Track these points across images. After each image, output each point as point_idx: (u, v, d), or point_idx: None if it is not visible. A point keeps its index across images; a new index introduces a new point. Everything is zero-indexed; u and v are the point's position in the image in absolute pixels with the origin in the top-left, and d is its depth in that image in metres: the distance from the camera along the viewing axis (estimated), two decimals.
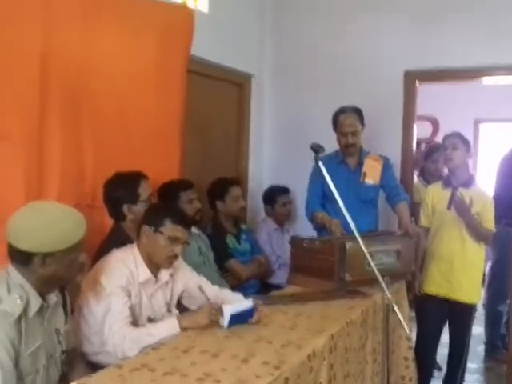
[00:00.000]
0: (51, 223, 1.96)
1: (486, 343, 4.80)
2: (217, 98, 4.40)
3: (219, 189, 3.85)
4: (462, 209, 3.45)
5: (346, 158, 3.79)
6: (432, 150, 4.75)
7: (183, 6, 3.80)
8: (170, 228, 2.47)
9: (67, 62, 2.84)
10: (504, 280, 4.29)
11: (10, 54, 2.57)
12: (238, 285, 3.54)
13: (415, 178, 4.81)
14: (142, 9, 3.31)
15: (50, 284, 2.05)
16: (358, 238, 2.46)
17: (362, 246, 2.46)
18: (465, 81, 4.77)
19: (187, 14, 3.66)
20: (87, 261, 2.65)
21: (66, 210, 2.08)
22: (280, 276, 4.00)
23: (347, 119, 3.71)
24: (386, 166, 3.82)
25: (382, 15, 4.46)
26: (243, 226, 4.02)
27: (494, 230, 3.55)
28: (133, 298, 2.43)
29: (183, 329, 2.29)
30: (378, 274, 2.38)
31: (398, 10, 4.42)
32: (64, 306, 2.20)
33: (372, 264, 2.42)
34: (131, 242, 2.66)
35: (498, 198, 3.96)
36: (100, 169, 3.02)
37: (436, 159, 4.57)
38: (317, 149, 2.57)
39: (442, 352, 3.83)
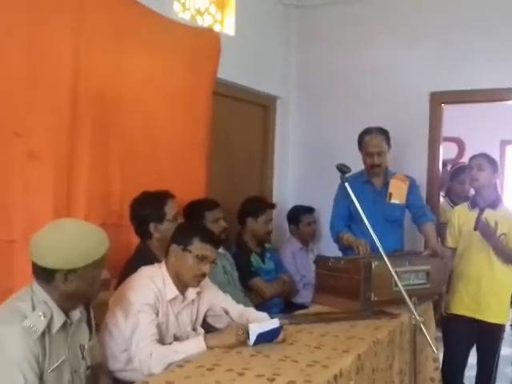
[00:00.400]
0: (73, 240, 1.97)
1: None
2: (242, 120, 4.42)
3: (255, 207, 3.85)
4: (487, 232, 3.40)
5: (372, 178, 3.76)
6: (458, 171, 4.70)
7: (210, 30, 3.85)
8: (198, 247, 2.46)
9: (97, 83, 2.87)
10: None
11: (41, 74, 2.61)
12: (261, 303, 3.51)
13: (441, 199, 4.75)
14: (171, 32, 3.36)
15: (73, 300, 2.05)
16: (385, 257, 2.42)
17: (389, 265, 2.42)
18: (491, 102, 4.72)
19: (214, 38, 3.71)
20: (111, 278, 2.67)
21: (88, 227, 2.09)
22: (304, 295, 3.96)
23: (373, 139, 3.70)
24: (412, 186, 3.78)
25: (407, 37, 4.45)
26: (267, 246, 4.01)
27: None
28: (160, 315, 2.42)
29: (210, 348, 2.27)
30: (404, 294, 2.33)
31: (423, 33, 4.41)
32: (88, 322, 2.19)
33: (399, 283, 2.37)
34: (157, 260, 2.66)
35: None
36: (127, 188, 3.04)
37: (462, 180, 4.53)
38: (343, 169, 2.56)
39: (471, 374, 3.74)
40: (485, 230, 3.39)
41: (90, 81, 2.84)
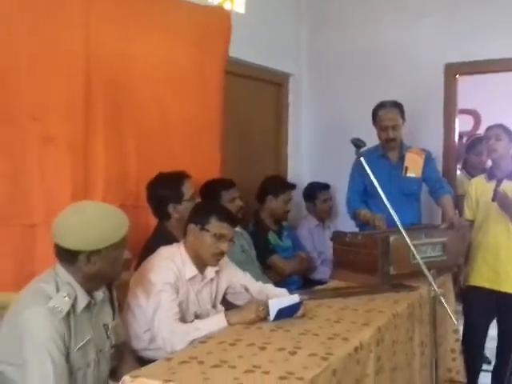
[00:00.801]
0: (94, 222, 2.00)
1: None
2: (255, 98, 4.41)
3: (277, 185, 3.89)
4: (505, 203, 3.38)
5: (387, 152, 3.75)
6: (474, 143, 4.67)
7: (220, 8, 3.82)
8: (215, 225, 2.48)
9: (109, 65, 2.89)
10: None
11: (53, 58, 2.63)
12: (280, 281, 3.53)
13: (458, 172, 4.72)
14: (180, 11, 3.34)
15: (96, 281, 2.08)
16: (402, 231, 2.42)
17: (407, 239, 2.42)
18: (507, 72, 4.65)
19: (224, 16, 3.68)
20: (132, 259, 2.70)
21: (108, 208, 2.12)
22: (322, 272, 3.98)
23: (387, 113, 3.68)
24: (428, 159, 3.77)
25: (421, 7, 4.40)
26: (284, 224, 4.02)
27: None
28: (180, 294, 2.45)
29: (231, 324, 2.30)
30: (423, 266, 2.34)
31: (434, 3, 4.36)
32: (111, 302, 2.23)
33: (417, 256, 2.38)
34: (176, 240, 2.69)
35: None
36: (143, 170, 3.06)
37: (479, 152, 4.50)
38: (358, 143, 2.55)
39: (492, 345, 3.75)
40: (503, 201, 3.38)
41: (102, 64, 2.85)
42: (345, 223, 4.24)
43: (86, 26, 2.77)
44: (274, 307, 2.34)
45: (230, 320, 2.31)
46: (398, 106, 3.71)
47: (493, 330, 3.70)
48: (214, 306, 2.65)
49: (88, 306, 2.06)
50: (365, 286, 3.00)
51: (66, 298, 1.96)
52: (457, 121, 4.46)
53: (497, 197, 3.40)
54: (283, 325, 2.29)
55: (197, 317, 2.49)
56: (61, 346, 1.92)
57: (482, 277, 3.53)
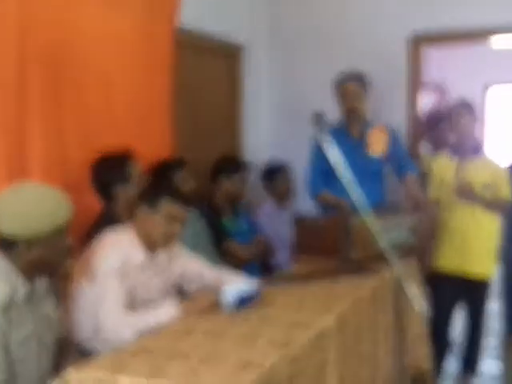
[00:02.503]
0: (33, 205, 1.98)
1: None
2: (207, 71, 4.38)
3: (230, 166, 3.89)
4: (465, 193, 3.50)
5: (349, 126, 3.80)
6: (437, 119, 4.76)
7: None
8: (167, 206, 2.49)
9: (46, 36, 2.82)
10: None
11: None
12: (237, 266, 3.56)
13: (423, 148, 4.82)
14: None
15: (38, 269, 2.07)
16: (364, 213, 2.48)
17: (368, 222, 2.48)
18: (473, 42, 4.76)
19: None
20: (73, 245, 2.68)
21: (48, 190, 2.09)
22: (281, 256, 4.03)
23: (349, 83, 3.74)
24: (393, 136, 3.84)
25: None
26: (240, 206, 4.03)
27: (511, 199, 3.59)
28: (128, 281, 2.45)
29: (182, 313, 2.32)
30: (386, 249, 2.40)
31: None
32: (54, 293, 2.23)
33: (380, 238, 2.44)
34: (122, 223, 2.68)
35: None
36: (85, 148, 3.03)
37: (442, 128, 4.60)
38: (318, 118, 2.58)
39: (458, 330, 3.89)
40: (463, 192, 3.49)
41: (38, 30, 2.77)
42: (305, 203, 4.30)
43: None
44: (230, 294, 2.37)
45: (181, 308, 2.33)
46: (359, 75, 3.79)
47: (460, 314, 3.83)
48: (165, 294, 2.65)
49: (29, 296, 2.05)
50: (326, 270, 3.06)
51: (6, 288, 1.95)
52: (421, 95, 4.54)
53: (457, 192, 3.51)
54: (241, 312, 2.33)
55: (146, 305, 2.49)
56: (0, 338, 1.91)
57: (448, 260, 3.64)
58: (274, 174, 4.40)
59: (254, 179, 4.44)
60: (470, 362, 3.75)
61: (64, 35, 2.94)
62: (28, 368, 2.03)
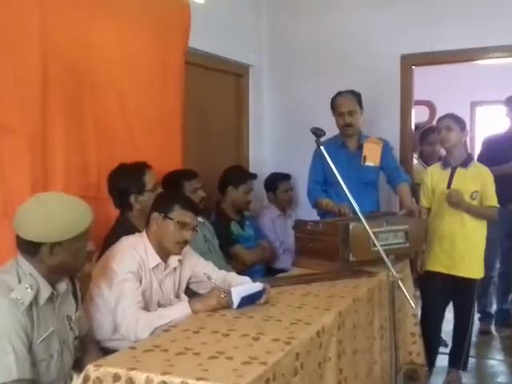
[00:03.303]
0: (56, 213, 1.98)
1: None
2: (216, 89, 4.40)
3: (238, 176, 3.89)
4: (455, 202, 3.49)
5: (346, 140, 3.81)
6: (427, 133, 4.76)
7: None
8: (179, 214, 2.49)
9: (67, 54, 2.84)
10: None
11: (9, 46, 2.56)
12: (243, 270, 3.54)
13: (415, 161, 4.82)
14: (139, 1, 3.32)
15: (59, 273, 2.07)
16: (362, 218, 2.46)
17: (366, 226, 2.47)
18: (460, 63, 4.76)
19: (183, 6, 3.66)
20: (94, 250, 2.68)
21: (71, 199, 2.10)
22: (284, 261, 4.02)
23: (344, 99, 3.75)
24: (386, 148, 3.83)
25: (378, 1, 4.46)
26: (246, 213, 4.04)
27: (498, 206, 3.57)
28: (143, 283, 2.45)
29: (194, 312, 2.31)
30: (382, 252, 2.39)
31: None
32: (74, 294, 2.22)
33: (376, 243, 2.43)
34: (137, 231, 2.68)
35: None
36: (103, 161, 3.03)
37: (432, 142, 4.60)
38: (317, 132, 2.58)
39: (449, 328, 3.86)
40: (452, 201, 3.48)
41: (60, 52, 2.79)
42: (306, 212, 4.28)
43: (43, 13, 2.69)
44: (237, 295, 2.36)
45: (193, 307, 2.32)
46: (354, 93, 3.80)
47: (450, 314, 3.80)
48: (177, 296, 2.65)
49: (51, 298, 2.04)
50: (326, 272, 3.05)
51: (29, 290, 1.94)
52: (413, 111, 4.54)
53: (447, 200, 3.50)
54: (246, 312, 2.31)
55: (160, 306, 2.49)
56: (23, 337, 1.90)
57: (438, 263, 3.62)
58: (277, 184, 4.41)
59: (258, 189, 4.44)
60: (458, 360, 3.71)
61: (84, 56, 2.96)
62: (50, 367, 2.02)
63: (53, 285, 2.06)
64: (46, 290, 2.01)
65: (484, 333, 4.68)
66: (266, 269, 3.97)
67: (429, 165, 4.29)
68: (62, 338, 2.08)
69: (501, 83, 6.16)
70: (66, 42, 2.83)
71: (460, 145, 3.62)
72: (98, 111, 3.05)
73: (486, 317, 4.81)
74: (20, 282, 1.95)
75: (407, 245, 3.32)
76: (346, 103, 3.74)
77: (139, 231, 2.67)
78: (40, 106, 2.71)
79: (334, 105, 3.80)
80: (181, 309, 2.31)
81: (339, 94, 3.81)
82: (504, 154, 4.39)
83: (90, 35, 2.98)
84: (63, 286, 2.11)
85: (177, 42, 3.58)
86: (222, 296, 2.36)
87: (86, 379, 1.75)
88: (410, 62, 4.41)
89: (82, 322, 2.25)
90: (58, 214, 1.98)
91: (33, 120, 2.67)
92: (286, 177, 4.46)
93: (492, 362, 4.17)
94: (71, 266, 2.08)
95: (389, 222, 3.29)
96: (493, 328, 4.80)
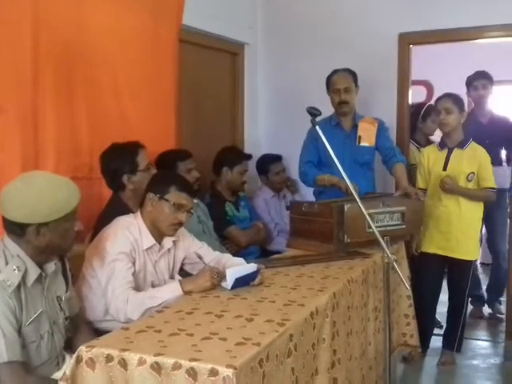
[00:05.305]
0: (42, 193, 1.96)
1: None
2: (210, 68, 4.36)
3: (232, 157, 3.86)
4: (449, 189, 3.48)
5: (341, 119, 3.78)
6: (425, 113, 4.70)
7: None
8: (175, 195, 2.48)
9: (59, 32, 2.81)
10: None
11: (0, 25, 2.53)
12: (238, 251, 3.56)
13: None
14: None
15: (46, 253, 2.06)
16: (357, 199, 2.46)
17: (361, 207, 2.47)
18: (458, 41, 4.72)
19: None
20: (85, 230, 2.67)
21: (57, 179, 2.08)
22: (279, 242, 4.02)
23: (340, 77, 3.74)
24: (381, 128, 3.81)
25: None
26: (241, 194, 4.03)
27: (495, 187, 3.57)
28: (137, 264, 2.44)
29: (186, 292, 2.30)
30: (377, 233, 2.39)
31: None
32: (64, 274, 2.21)
33: (371, 224, 2.43)
34: (130, 211, 2.67)
35: None
36: (96, 140, 3.02)
37: (429, 121, 4.54)
38: (313, 112, 2.56)
39: (443, 310, 3.89)
40: (447, 188, 3.48)
41: (52, 31, 2.77)
42: (301, 192, 4.29)
43: None
44: (231, 276, 2.35)
45: (184, 288, 2.31)
46: (350, 71, 3.78)
47: (444, 296, 3.83)
48: (171, 277, 2.64)
49: (39, 279, 2.03)
50: (320, 254, 3.05)
51: (16, 271, 1.94)
52: (410, 91, 4.51)
53: (443, 186, 3.50)
54: (240, 293, 2.31)
55: (154, 287, 2.49)
56: (12, 320, 1.89)
57: (434, 244, 3.64)
58: (268, 166, 4.37)
59: (252, 170, 4.42)
60: (452, 341, 3.74)
61: (76, 35, 2.93)
62: (41, 348, 2.02)
63: (41, 266, 2.05)
64: (33, 271, 2.00)
65: (477, 317, 4.70)
66: (260, 250, 3.97)
67: (421, 145, 4.28)
68: (52, 319, 2.08)
69: (500, 63, 6.14)
70: (58, 20, 2.80)
71: (458, 126, 3.61)
72: (90, 91, 3.03)
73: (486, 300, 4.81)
74: (7, 263, 1.94)
75: (403, 226, 3.32)
76: (342, 80, 3.72)
77: (132, 211, 2.66)
78: (31, 85, 2.68)
79: (329, 82, 3.78)
80: (172, 289, 2.31)
81: (335, 71, 3.79)
82: None
83: (81, 13, 2.94)
84: (52, 266, 2.10)
85: (170, 20, 3.54)
86: (214, 276, 2.36)
87: (79, 360, 1.75)
88: (407, 40, 4.36)
89: (72, 303, 2.24)
90: (44, 194, 1.96)
91: (24, 100, 2.65)
92: (276, 158, 4.40)
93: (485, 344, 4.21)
94: (58, 246, 2.06)
95: (385, 203, 3.28)
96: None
